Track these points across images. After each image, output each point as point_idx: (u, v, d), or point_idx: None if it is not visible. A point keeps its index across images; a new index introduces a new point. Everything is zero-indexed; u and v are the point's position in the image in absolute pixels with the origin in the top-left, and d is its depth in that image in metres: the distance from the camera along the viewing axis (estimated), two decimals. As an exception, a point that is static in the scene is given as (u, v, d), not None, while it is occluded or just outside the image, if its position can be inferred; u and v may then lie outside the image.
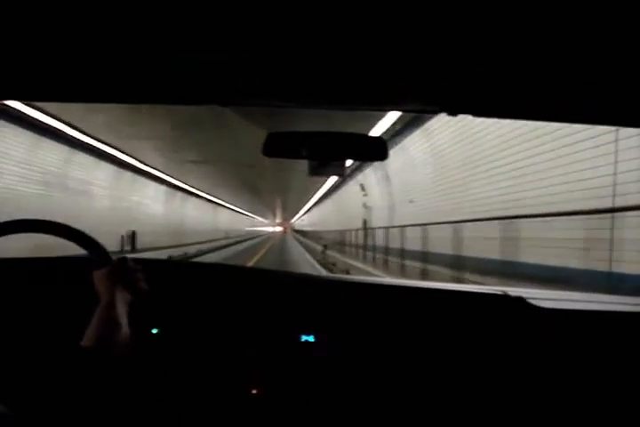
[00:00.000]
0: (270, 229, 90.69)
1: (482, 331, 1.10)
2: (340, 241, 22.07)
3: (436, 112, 0.94)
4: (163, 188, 21.10)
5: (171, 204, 23.37)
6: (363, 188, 16.01)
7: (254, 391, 1.06)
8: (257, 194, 31.41)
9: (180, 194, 24.12)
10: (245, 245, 32.20)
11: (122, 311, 0.85)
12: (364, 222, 16.53)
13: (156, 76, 0.81)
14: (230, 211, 44.30)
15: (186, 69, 0.77)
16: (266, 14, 0.62)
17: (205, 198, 30.26)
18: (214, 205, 35.33)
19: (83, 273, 0.96)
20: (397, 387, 1.08)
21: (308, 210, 43.10)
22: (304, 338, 1.10)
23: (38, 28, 0.66)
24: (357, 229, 17.53)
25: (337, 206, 24.00)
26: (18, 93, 0.95)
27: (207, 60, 0.74)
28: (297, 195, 29.52)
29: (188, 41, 0.70)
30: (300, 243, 35.17)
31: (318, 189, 23.89)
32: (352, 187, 17.48)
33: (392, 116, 8.34)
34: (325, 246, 20.27)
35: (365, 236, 16.31)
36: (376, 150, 1.02)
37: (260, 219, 74.09)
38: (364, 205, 16.42)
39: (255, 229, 72.70)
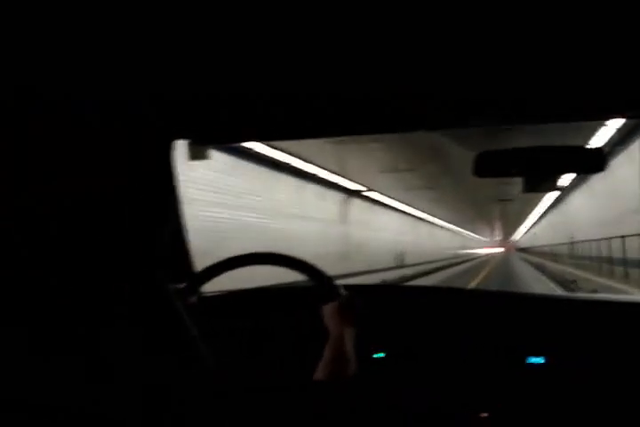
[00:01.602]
0: (485, 250, 73.33)
1: None
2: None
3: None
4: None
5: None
6: None
7: (483, 415, 1.06)
8: (466, 204, 25.82)
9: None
10: (444, 276, 19.68)
11: (350, 346, 0.91)
12: None
13: (357, 110, 0.92)
14: (422, 222, 31.50)
15: (385, 102, 0.87)
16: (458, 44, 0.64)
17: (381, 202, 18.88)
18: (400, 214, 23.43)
19: (310, 303, 1.01)
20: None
21: (542, 215, 31.40)
22: (532, 360, 1.07)
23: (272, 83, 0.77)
24: None
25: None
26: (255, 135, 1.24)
27: (402, 90, 0.82)
28: (524, 202, 24.66)
29: (384, 76, 0.76)
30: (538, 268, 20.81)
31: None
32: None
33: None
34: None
35: None
36: (592, 162, 1.00)
37: (468, 233, 58.30)
38: None
39: (464, 251, 56.94)
